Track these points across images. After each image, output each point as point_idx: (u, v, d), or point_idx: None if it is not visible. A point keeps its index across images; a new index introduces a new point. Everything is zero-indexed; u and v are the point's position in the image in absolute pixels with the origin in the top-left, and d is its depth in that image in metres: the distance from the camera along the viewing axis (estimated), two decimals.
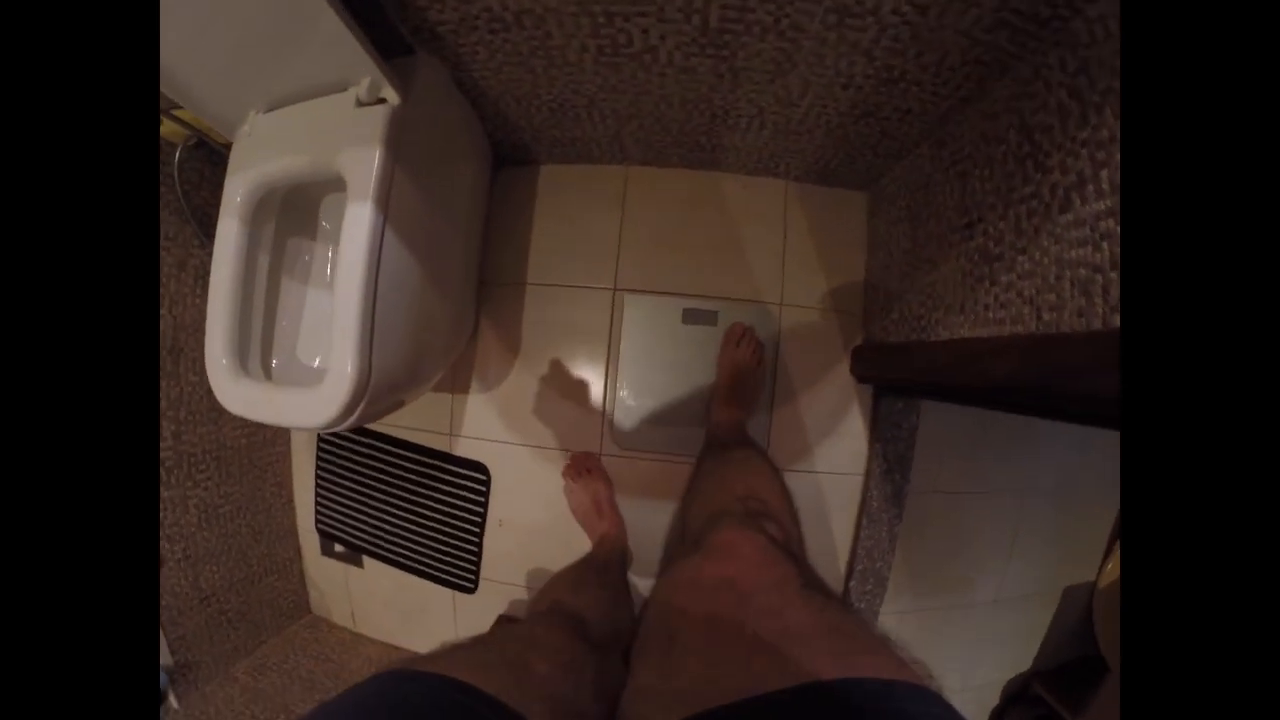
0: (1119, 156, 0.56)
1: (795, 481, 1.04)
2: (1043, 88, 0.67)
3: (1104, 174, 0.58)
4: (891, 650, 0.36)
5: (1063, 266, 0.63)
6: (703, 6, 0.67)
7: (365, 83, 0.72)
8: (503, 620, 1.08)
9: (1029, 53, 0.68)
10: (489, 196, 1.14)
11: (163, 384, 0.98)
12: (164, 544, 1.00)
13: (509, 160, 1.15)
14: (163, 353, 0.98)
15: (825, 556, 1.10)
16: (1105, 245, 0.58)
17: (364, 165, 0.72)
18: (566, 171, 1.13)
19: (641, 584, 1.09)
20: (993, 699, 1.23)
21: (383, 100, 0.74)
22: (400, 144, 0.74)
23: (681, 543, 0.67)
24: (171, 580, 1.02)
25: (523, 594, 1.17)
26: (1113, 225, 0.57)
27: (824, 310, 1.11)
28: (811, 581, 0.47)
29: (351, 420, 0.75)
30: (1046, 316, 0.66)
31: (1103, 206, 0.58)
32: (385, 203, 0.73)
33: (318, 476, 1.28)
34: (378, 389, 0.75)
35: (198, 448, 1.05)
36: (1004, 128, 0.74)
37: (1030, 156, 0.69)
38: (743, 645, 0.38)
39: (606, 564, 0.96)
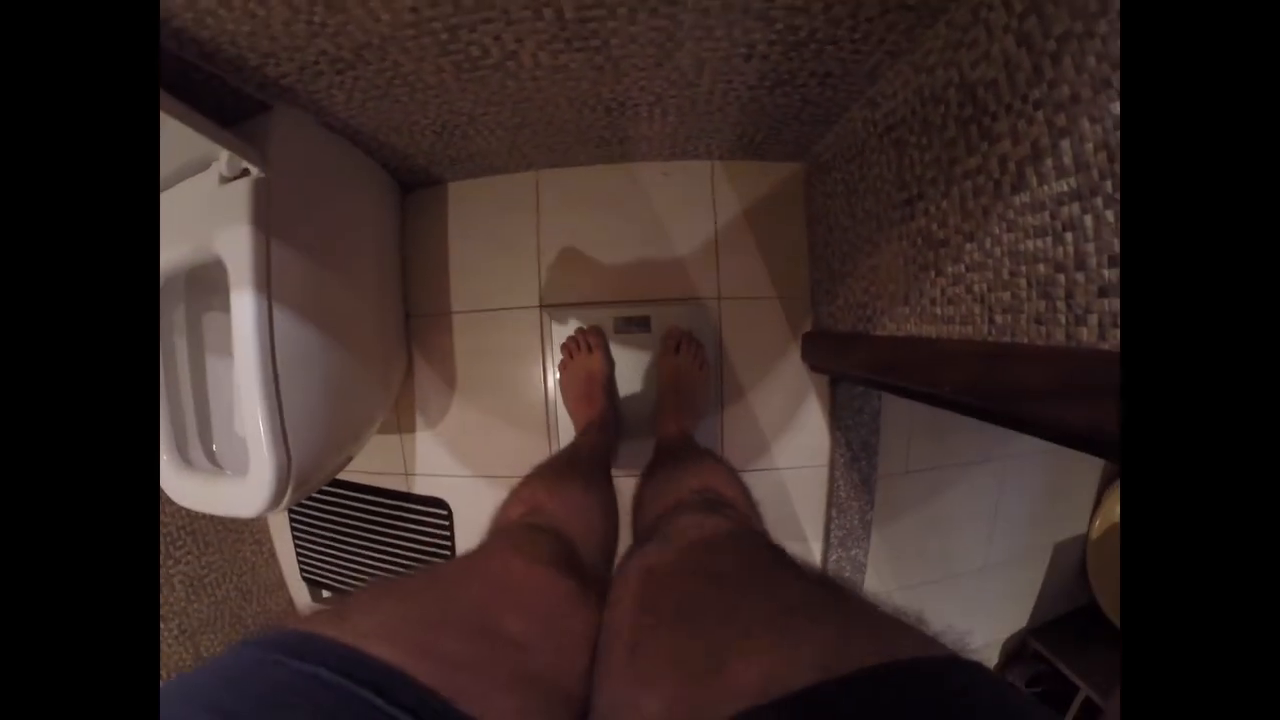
0: (1085, 122, 0.39)
1: (755, 481, 0.89)
2: (984, 34, 0.49)
3: (1065, 145, 0.42)
4: (910, 623, 0.25)
5: (1018, 260, 0.48)
6: None
7: (224, 158, 0.63)
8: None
9: None
10: (399, 226, 0.98)
11: None
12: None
13: (414, 184, 0.98)
14: None
15: (796, 551, 0.98)
16: (1069, 237, 0.43)
17: (237, 248, 0.63)
18: (474, 187, 0.96)
19: None
20: (991, 662, 1.14)
21: (246, 172, 0.64)
22: (273, 212, 0.65)
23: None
24: (174, 657, 0.96)
25: None
26: (1078, 212, 0.42)
27: (767, 298, 0.95)
28: (785, 559, 0.36)
29: (286, 501, 0.68)
30: (1000, 319, 0.51)
31: (1065, 187, 0.43)
32: (266, 282, 0.64)
33: (293, 529, 1.18)
34: (303, 467, 0.68)
35: (170, 525, 0.96)
36: (941, 84, 0.56)
37: (974, 120, 0.52)
38: (733, 633, 0.26)
39: (591, 459, 0.77)
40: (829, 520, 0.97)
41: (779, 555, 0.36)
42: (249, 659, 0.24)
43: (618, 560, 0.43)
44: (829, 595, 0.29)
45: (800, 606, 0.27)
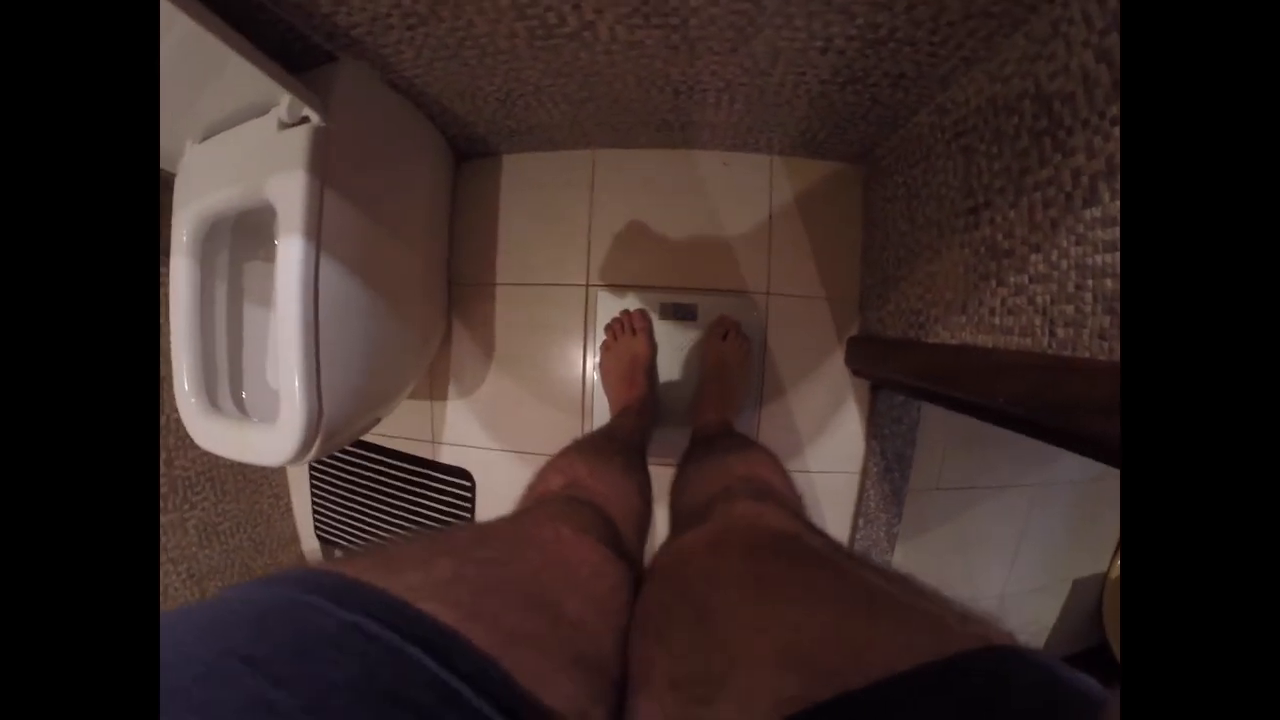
0: None
1: None
2: (1063, 48, 0.51)
3: None
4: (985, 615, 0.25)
5: (1084, 274, 0.50)
6: None
7: (285, 103, 0.64)
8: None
9: (1045, 2, 0.52)
10: (451, 194, 1.02)
11: None
12: (166, 566, 0.98)
13: (470, 153, 1.02)
14: None
15: None
16: None
17: (290, 193, 0.64)
18: (529, 160, 0.99)
19: None
20: None
21: (305, 119, 0.66)
22: (329, 162, 0.66)
23: (677, 529, 0.52)
24: (178, 600, 1.00)
25: None
26: None
27: (816, 298, 0.97)
28: (845, 550, 0.36)
29: (313, 454, 0.71)
30: (1061, 333, 0.53)
31: None
32: (317, 230, 0.65)
33: (313, 486, 1.23)
34: (333, 421, 0.70)
35: (190, 470, 1.01)
36: (1016, 95, 0.58)
37: (1048, 133, 0.54)
38: (813, 606, 0.26)
39: (629, 442, 0.76)
40: (855, 529, 0.99)
41: (839, 546, 0.37)
42: (277, 597, 0.22)
43: (660, 543, 0.44)
44: (901, 586, 0.28)
45: (875, 595, 0.27)
